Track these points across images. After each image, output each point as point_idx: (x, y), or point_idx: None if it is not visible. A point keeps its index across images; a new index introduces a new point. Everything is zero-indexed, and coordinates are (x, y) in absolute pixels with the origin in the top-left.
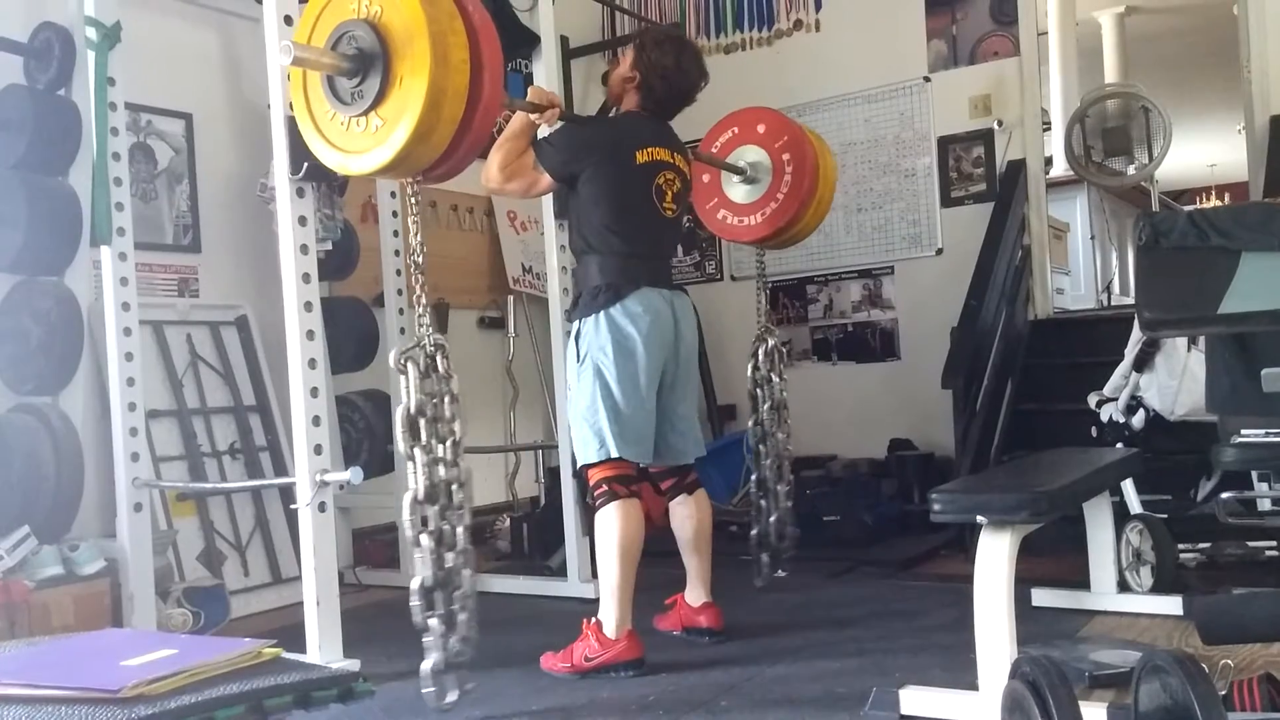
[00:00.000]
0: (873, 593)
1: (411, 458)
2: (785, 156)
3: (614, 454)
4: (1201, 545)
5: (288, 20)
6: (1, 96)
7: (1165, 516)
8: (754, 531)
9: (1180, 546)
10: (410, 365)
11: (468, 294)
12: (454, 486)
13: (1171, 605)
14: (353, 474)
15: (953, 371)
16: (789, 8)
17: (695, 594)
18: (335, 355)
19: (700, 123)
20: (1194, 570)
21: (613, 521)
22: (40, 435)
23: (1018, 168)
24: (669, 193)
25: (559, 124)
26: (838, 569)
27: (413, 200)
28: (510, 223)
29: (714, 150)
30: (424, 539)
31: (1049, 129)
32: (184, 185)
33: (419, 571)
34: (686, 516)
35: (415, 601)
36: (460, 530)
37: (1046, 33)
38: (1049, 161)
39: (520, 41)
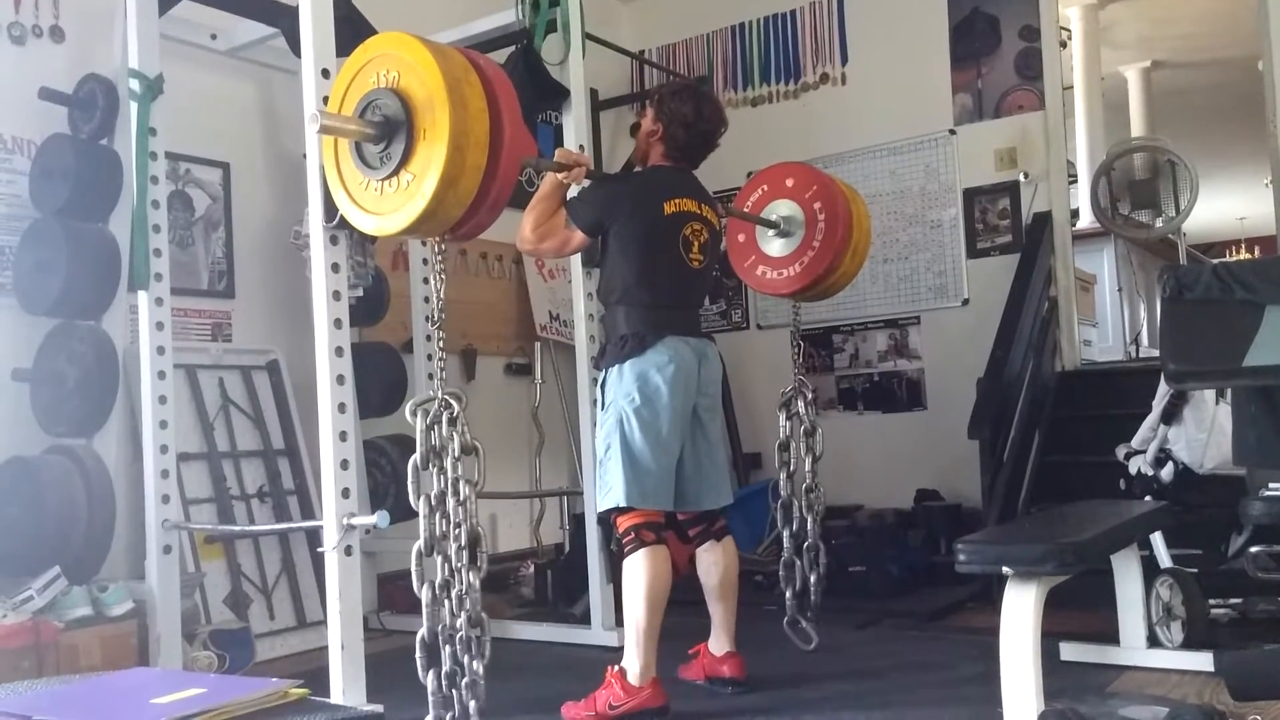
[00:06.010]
0: (898, 645)
1: (417, 510)
2: (816, 206)
3: (625, 504)
4: (1233, 600)
5: (325, 73)
6: (46, 146)
7: (1196, 571)
8: (789, 594)
9: (1211, 601)
10: (420, 415)
11: (495, 340)
12: (461, 538)
13: (1202, 661)
14: (379, 518)
15: (979, 422)
16: (815, 61)
17: (719, 643)
18: (363, 400)
19: (731, 173)
20: (1225, 626)
21: (640, 569)
22: (73, 477)
23: (1044, 220)
24: (696, 243)
25: (586, 182)
26: (863, 620)
27: (438, 253)
28: (538, 270)
29: (746, 209)
30: (424, 591)
31: (1075, 181)
32: (220, 232)
33: (423, 625)
34: (713, 563)
35: (418, 655)
36: (469, 585)
37: (1071, 87)
38: (1075, 214)
39: (551, 94)
